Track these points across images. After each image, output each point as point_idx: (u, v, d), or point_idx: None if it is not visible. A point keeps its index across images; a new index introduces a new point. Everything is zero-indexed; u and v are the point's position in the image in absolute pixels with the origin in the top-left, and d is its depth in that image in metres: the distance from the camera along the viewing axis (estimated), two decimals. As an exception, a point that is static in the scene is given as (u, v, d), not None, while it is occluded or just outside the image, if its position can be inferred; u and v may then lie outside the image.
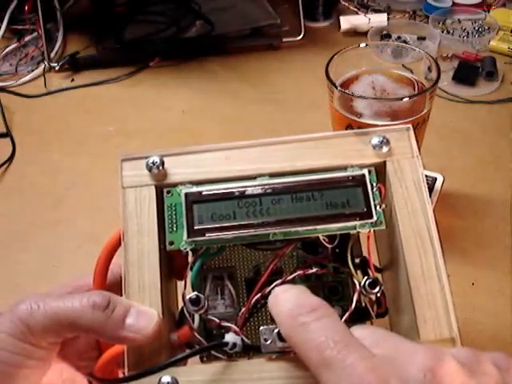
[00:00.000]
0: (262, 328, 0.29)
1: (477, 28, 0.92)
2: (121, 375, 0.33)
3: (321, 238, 0.34)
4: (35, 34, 0.94)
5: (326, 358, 0.25)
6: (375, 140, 0.34)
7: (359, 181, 0.33)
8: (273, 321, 0.28)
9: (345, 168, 0.34)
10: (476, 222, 0.62)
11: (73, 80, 0.89)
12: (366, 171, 0.33)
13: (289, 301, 0.28)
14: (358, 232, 0.33)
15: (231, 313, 0.34)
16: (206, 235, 0.32)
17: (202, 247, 0.33)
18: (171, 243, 0.33)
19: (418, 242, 0.32)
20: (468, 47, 0.88)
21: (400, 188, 0.33)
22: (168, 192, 0.33)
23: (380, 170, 0.34)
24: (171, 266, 0.35)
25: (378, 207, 0.32)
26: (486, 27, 0.92)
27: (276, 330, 0.28)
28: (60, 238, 0.64)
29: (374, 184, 0.33)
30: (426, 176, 0.66)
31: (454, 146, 0.72)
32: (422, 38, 0.90)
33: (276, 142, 0.35)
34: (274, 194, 0.33)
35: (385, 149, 0.34)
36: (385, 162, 0.34)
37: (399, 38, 0.91)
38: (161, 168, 0.33)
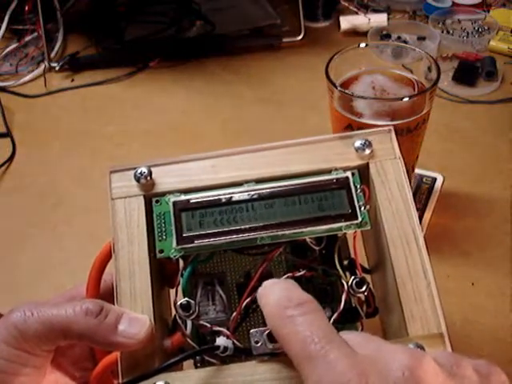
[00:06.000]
0: (252, 331, 0.30)
1: (477, 28, 0.92)
2: None
3: (308, 240, 0.34)
4: (35, 34, 0.94)
5: (310, 353, 0.25)
6: (358, 143, 0.35)
7: (343, 183, 0.34)
8: (264, 324, 0.28)
9: (329, 171, 0.34)
10: (476, 222, 0.62)
11: (73, 80, 0.89)
12: (349, 174, 0.34)
13: (277, 293, 0.28)
14: (345, 233, 0.34)
15: (223, 318, 0.34)
16: (195, 242, 0.33)
17: (191, 254, 0.34)
18: (161, 251, 0.33)
19: (403, 240, 0.33)
20: (468, 47, 0.88)
21: (383, 189, 0.34)
22: (156, 201, 0.34)
23: (363, 172, 0.35)
24: (162, 273, 0.36)
25: (362, 208, 0.33)
26: (486, 27, 0.92)
27: (266, 333, 0.29)
28: (60, 238, 0.64)
29: (358, 186, 0.34)
30: (426, 176, 0.66)
31: (454, 146, 0.72)
32: (421, 38, 0.90)
33: (261, 149, 0.35)
34: (261, 199, 0.33)
35: (367, 151, 0.34)
36: (368, 164, 0.35)
37: (399, 37, 0.91)
38: (149, 178, 0.34)
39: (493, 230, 0.61)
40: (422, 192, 0.64)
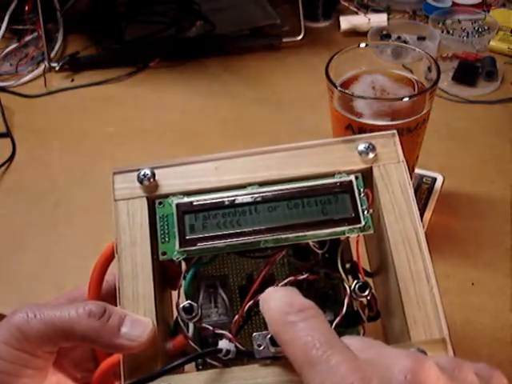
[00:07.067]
0: (254, 334, 0.30)
1: (477, 28, 0.92)
2: None
3: (311, 244, 0.34)
4: (35, 34, 0.94)
5: (312, 358, 0.25)
6: (361, 146, 0.35)
7: (347, 187, 0.34)
8: (266, 327, 0.28)
9: (332, 175, 0.34)
10: (476, 222, 0.62)
11: (73, 80, 0.89)
12: (353, 177, 0.34)
13: (279, 299, 0.28)
14: (348, 237, 0.34)
15: (225, 320, 0.34)
16: (198, 245, 0.33)
17: (194, 256, 0.34)
18: (164, 253, 0.33)
19: (406, 244, 0.33)
20: (468, 47, 0.88)
21: (387, 193, 0.34)
22: (160, 203, 0.34)
23: (367, 176, 0.35)
24: (165, 275, 0.36)
25: (365, 212, 0.33)
26: (486, 27, 0.92)
27: (268, 336, 0.29)
28: (60, 238, 0.64)
29: (362, 190, 0.34)
30: (426, 176, 0.66)
31: (454, 146, 0.72)
32: (421, 38, 0.90)
33: (265, 152, 0.35)
34: (264, 202, 0.33)
35: (371, 155, 0.34)
36: (371, 168, 0.35)
37: (399, 37, 0.91)
38: (152, 180, 0.34)
39: (493, 230, 0.61)
40: (422, 192, 0.64)
